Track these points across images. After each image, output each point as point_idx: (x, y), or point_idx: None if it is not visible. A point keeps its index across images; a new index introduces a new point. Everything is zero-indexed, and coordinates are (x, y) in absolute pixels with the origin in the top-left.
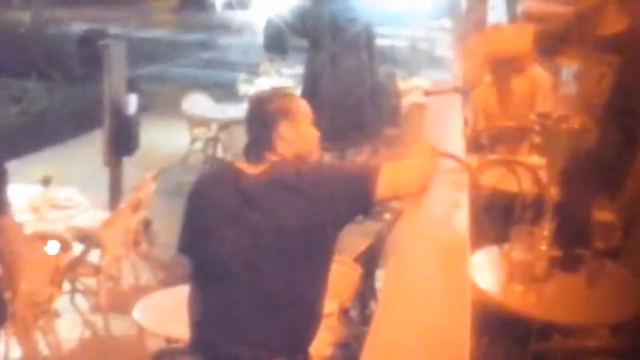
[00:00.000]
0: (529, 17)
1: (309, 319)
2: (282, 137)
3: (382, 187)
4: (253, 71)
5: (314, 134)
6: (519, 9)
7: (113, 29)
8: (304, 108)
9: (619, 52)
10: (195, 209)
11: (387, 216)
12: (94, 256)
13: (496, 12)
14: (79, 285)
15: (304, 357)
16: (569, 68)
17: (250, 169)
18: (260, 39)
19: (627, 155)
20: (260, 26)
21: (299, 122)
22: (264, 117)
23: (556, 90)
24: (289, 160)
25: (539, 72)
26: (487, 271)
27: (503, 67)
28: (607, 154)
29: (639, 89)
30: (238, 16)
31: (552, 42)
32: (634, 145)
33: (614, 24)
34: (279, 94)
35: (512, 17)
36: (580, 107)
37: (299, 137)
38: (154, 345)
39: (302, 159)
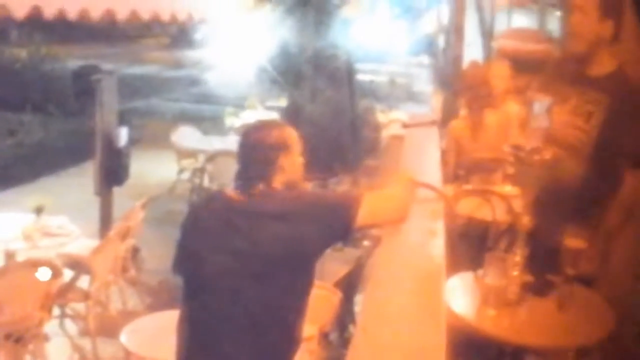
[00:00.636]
0: (504, 54)
1: (290, 341)
2: (281, 168)
3: (362, 216)
4: (239, 105)
5: (302, 162)
6: (494, 46)
7: (106, 65)
8: (296, 137)
9: (607, 92)
10: (187, 233)
11: (366, 243)
12: (84, 282)
13: (472, 50)
14: (68, 310)
15: None
16: (541, 102)
17: (239, 197)
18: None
19: (606, 189)
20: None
21: (294, 153)
22: (264, 150)
23: (528, 124)
24: (276, 189)
25: (512, 106)
26: (461, 296)
27: (478, 101)
28: (589, 187)
29: (626, 128)
30: (222, 53)
31: (527, 79)
32: (616, 181)
33: (603, 65)
34: (275, 126)
35: (488, 54)
36: (551, 140)
37: (293, 167)
38: None
39: (292, 186)
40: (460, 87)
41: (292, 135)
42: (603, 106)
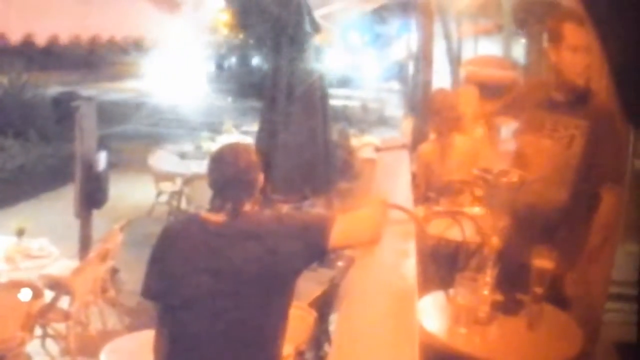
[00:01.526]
0: (471, 80)
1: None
2: (254, 188)
3: (336, 237)
4: (215, 129)
5: (262, 179)
6: (462, 72)
7: (85, 91)
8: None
9: (586, 116)
10: (161, 255)
11: (340, 264)
12: (64, 303)
13: (440, 76)
14: (49, 330)
15: None
16: (507, 126)
17: (215, 219)
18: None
19: (585, 210)
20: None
21: (260, 172)
22: (240, 172)
23: (496, 147)
24: (250, 210)
25: (480, 130)
26: (433, 315)
27: (446, 125)
28: (563, 209)
29: (607, 147)
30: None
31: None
32: (595, 202)
33: (581, 90)
34: (245, 148)
35: (456, 80)
36: (518, 162)
37: (259, 186)
38: None
39: (260, 201)
40: (428, 112)
41: (256, 155)
42: (583, 130)
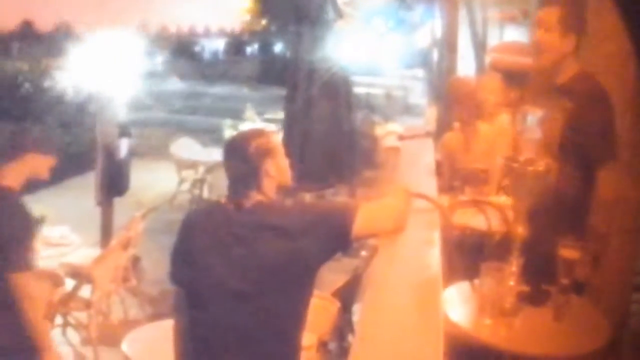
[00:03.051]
0: (496, 67)
1: (290, 351)
2: (267, 174)
3: (359, 226)
4: (238, 117)
5: (287, 164)
6: (487, 59)
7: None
8: (279, 141)
9: (569, 96)
10: (184, 243)
11: (363, 253)
12: (85, 291)
13: (465, 62)
14: (70, 319)
15: None
16: (533, 114)
17: (236, 208)
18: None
19: (587, 193)
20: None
21: (278, 157)
22: (248, 158)
23: (522, 135)
24: (272, 199)
25: (504, 118)
26: (458, 305)
27: (468, 114)
28: (568, 194)
29: (588, 127)
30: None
31: (519, 92)
32: (592, 183)
33: (567, 72)
34: (254, 133)
35: (480, 67)
36: (544, 151)
37: (279, 171)
38: None
39: (282, 190)
40: (449, 101)
41: (273, 139)
42: (567, 111)
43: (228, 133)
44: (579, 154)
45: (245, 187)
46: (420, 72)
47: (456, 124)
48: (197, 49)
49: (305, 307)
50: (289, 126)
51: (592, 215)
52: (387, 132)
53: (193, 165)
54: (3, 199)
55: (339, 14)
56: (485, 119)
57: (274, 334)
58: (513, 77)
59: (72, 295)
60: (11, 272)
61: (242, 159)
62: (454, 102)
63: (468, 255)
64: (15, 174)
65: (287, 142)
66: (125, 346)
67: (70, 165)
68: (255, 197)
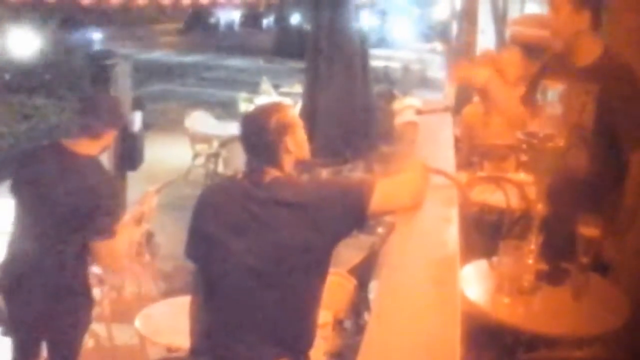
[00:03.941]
0: (517, 41)
1: (306, 327)
2: (286, 150)
3: (376, 203)
4: (253, 90)
5: (306, 140)
6: (507, 33)
7: (120, 49)
8: (297, 116)
9: (596, 80)
10: (201, 218)
11: (380, 230)
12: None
13: (486, 36)
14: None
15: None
16: (554, 90)
17: (253, 184)
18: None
19: (612, 172)
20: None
21: (297, 132)
22: (268, 132)
23: (542, 111)
24: (289, 175)
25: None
26: (476, 284)
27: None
28: (594, 173)
29: (621, 110)
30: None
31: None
32: (622, 165)
33: (588, 54)
34: (274, 108)
35: (501, 41)
36: (564, 127)
37: (298, 146)
38: (155, 354)
39: (299, 165)
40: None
41: (292, 114)
42: (593, 95)
43: (243, 106)
44: (612, 136)
45: (264, 162)
46: (439, 45)
47: (476, 98)
48: (212, 20)
49: (322, 284)
50: (307, 100)
51: (621, 196)
52: (405, 106)
53: (207, 139)
54: (92, 167)
55: None
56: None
57: (290, 311)
58: (534, 51)
59: None
60: (99, 239)
61: (261, 133)
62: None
63: (486, 232)
64: (96, 146)
65: (304, 116)
66: (138, 323)
67: None
68: (273, 172)
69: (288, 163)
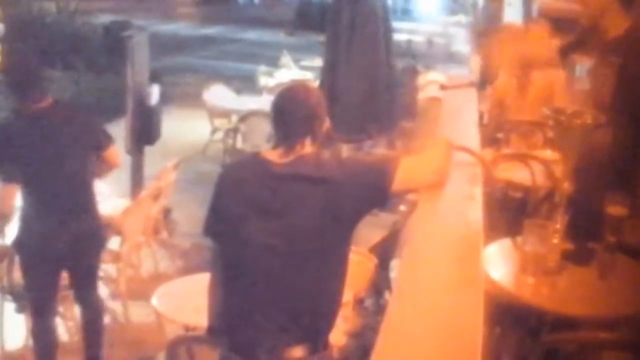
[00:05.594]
0: (545, 14)
1: (329, 306)
2: (319, 131)
3: (399, 181)
4: (273, 64)
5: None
6: (535, 6)
7: (137, 21)
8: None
9: (619, 52)
10: (222, 195)
11: (402, 208)
12: (115, 243)
13: (513, 9)
14: (99, 272)
15: (325, 344)
16: (582, 65)
17: (277, 160)
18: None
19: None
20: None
21: (325, 115)
22: (312, 113)
23: (570, 87)
24: (313, 152)
25: (554, 68)
26: (500, 263)
27: (523, 62)
28: (620, 151)
29: (637, 86)
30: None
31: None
32: None
33: (615, 27)
34: (313, 88)
35: (528, 14)
36: (593, 104)
37: (323, 129)
38: (172, 332)
39: (321, 147)
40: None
41: (323, 96)
42: (614, 67)
43: (263, 80)
44: (630, 111)
45: (296, 140)
46: (463, 18)
47: (502, 73)
48: None
49: (343, 263)
50: (327, 74)
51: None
52: (429, 81)
53: (226, 113)
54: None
55: None
56: (537, 68)
57: (311, 292)
58: (562, 24)
59: None
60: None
61: (303, 107)
62: (503, 50)
63: (511, 211)
64: None
65: (324, 90)
66: (155, 300)
67: (98, 111)
68: (303, 148)
69: (313, 143)
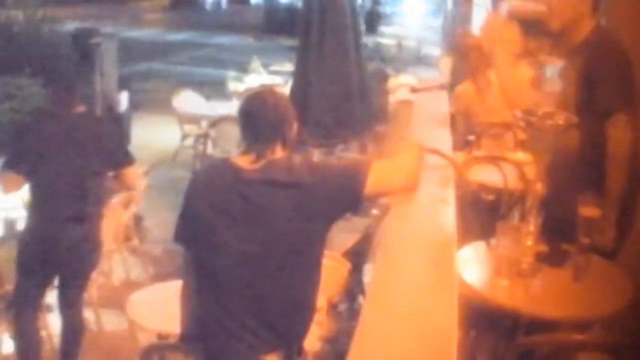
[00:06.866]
0: (514, 15)
1: (304, 312)
2: (291, 135)
3: (371, 185)
4: (242, 69)
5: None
6: (504, 7)
7: (105, 28)
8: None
9: (581, 54)
10: (192, 201)
11: (374, 212)
12: None
13: (481, 10)
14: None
15: (299, 351)
16: (553, 66)
17: (247, 165)
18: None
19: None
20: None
21: (295, 119)
22: (282, 118)
23: (540, 88)
24: (283, 157)
25: (524, 69)
26: (474, 266)
27: (478, 65)
28: (588, 152)
29: (597, 86)
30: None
31: (538, 42)
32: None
33: (584, 30)
34: (282, 94)
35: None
36: (562, 104)
37: (294, 132)
38: (144, 340)
39: (291, 151)
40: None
41: (290, 101)
42: (580, 65)
43: (232, 86)
44: (592, 112)
45: (267, 146)
46: (433, 21)
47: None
48: None
49: (317, 268)
50: (298, 78)
51: (590, 170)
52: (399, 84)
53: (196, 119)
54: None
55: None
56: (493, 69)
57: (287, 295)
58: (531, 26)
59: None
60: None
61: (271, 112)
62: (461, 57)
63: (484, 213)
64: None
65: (295, 95)
66: (127, 308)
67: None
68: (273, 153)
69: (281, 148)
